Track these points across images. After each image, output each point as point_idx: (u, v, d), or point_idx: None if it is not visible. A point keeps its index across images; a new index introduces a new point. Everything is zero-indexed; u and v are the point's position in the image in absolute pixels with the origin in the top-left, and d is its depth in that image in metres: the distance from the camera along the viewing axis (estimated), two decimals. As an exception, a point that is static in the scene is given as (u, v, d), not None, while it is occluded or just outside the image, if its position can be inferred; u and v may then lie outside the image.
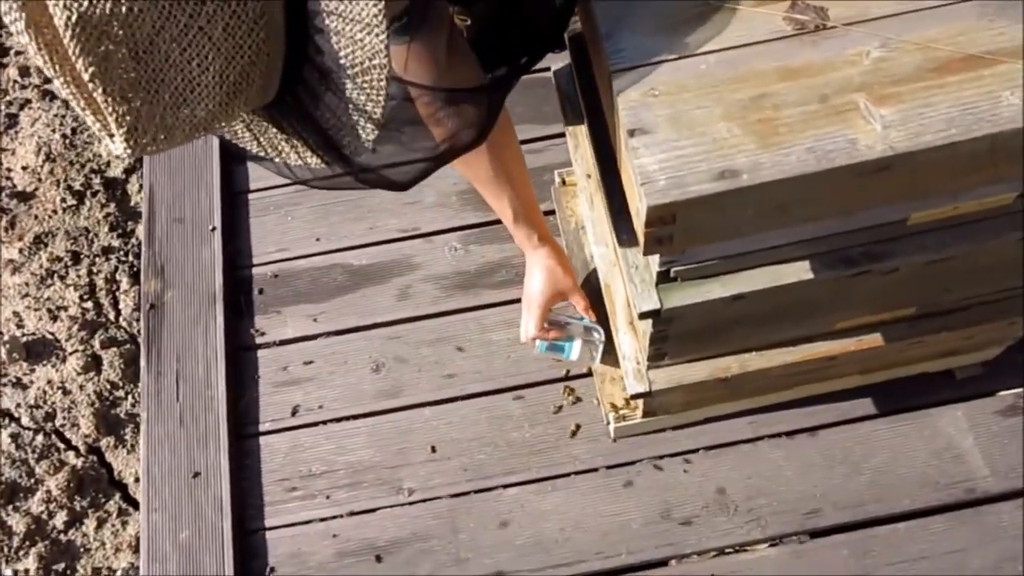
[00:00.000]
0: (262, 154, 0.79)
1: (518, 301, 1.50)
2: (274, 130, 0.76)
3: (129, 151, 0.64)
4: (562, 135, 1.70)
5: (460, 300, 1.62)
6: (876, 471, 1.44)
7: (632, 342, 1.24)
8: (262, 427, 1.55)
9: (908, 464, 1.44)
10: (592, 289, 1.43)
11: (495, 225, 1.67)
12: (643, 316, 0.98)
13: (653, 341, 1.11)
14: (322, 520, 1.47)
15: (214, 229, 1.70)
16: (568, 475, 1.47)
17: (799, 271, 0.96)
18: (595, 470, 1.47)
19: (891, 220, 0.93)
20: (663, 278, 0.96)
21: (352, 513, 1.47)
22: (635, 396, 1.22)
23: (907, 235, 0.97)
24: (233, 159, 1.79)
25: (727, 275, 0.97)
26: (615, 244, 1.06)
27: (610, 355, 1.48)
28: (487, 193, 1.24)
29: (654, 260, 0.95)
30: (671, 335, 1.09)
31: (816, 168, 0.74)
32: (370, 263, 1.67)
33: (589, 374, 1.53)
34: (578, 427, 1.50)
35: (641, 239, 0.80)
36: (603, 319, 1.45)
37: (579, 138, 1.37)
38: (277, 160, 0.79)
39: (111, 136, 0.64)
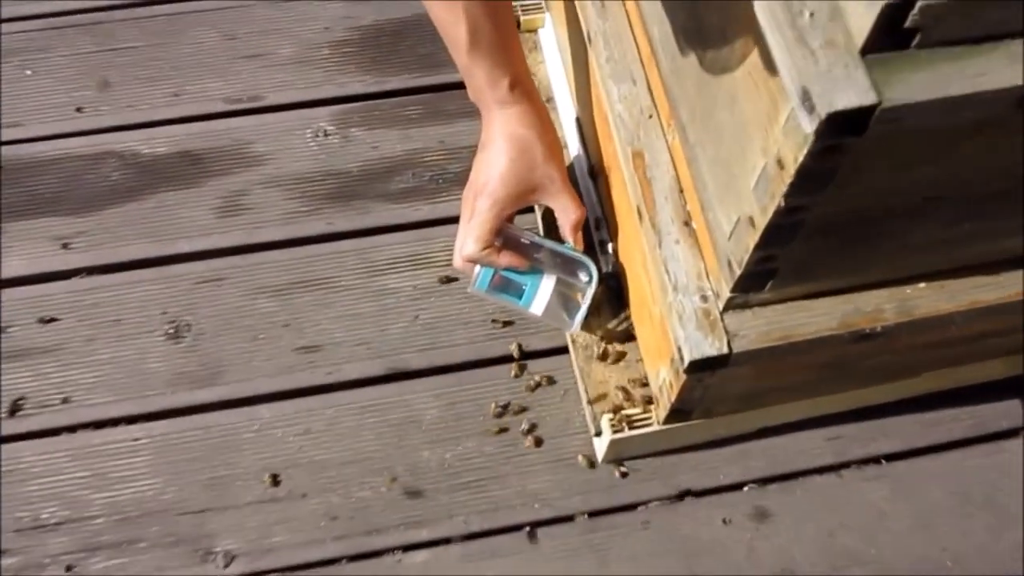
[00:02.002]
0: None
1: (436, 223, 0.91)
2: None
3: None
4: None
5: (331, 219, 1.00)
6: (1035, 518, 0.89)
7: (691, 259, 0.63)
8: (-53, 438, 0.89)
9: (1079, 506, 0.90)
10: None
11: (397, 97, 1.08)
12: (832, 123, 0.42)
13: (769, 239, 0.49)
14: (50, 619, 0.82)
15: None
16: (521, 527, 0.86)
17: None
18: (569, 519, 0.87)
19: None
20: (884, 36, 0.41)
21: (112, 603, 0.83)
22: (697, 366, 0.61)
23: None
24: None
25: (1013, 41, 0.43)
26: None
27: (605, 316, 0.87)
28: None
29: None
30: (808, 224, 0.49)
31: None
32: (172, 152, 1.04)
33: (562, 350, 0.91)
34: (538, 442, 0.89)
35: None
36: (591, 251, 0.86)
37: None
38: None
39: None
